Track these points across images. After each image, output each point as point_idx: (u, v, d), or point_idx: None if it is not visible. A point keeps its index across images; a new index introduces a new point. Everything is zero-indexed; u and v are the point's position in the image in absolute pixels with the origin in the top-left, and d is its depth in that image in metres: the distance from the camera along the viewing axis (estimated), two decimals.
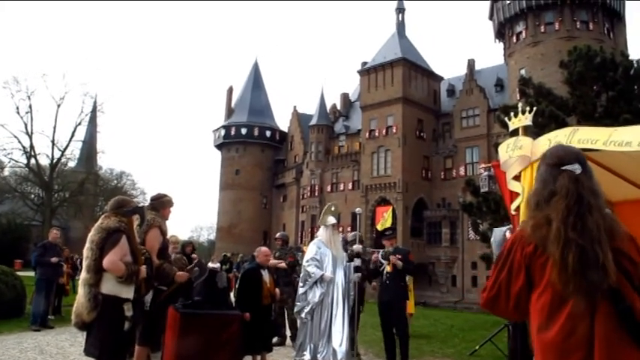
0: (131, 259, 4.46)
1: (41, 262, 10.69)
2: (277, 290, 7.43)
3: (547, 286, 1.97)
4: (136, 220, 4.91)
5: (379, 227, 18.44)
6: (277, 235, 11.24)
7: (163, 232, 5.57)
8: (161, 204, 5.75)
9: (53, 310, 11.73)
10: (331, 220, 7.68)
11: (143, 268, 4.57)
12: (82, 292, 4.37)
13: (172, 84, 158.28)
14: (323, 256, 7.41)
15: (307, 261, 7.45)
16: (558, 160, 2.14)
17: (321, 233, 7.79)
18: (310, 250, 7.65)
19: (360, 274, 7.56)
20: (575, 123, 14.54)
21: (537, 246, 2.01)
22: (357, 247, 7.90)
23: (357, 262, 7.60)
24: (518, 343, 5.84)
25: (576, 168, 2.10)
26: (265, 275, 7.17)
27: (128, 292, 4.41)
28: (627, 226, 5.11)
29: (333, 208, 8.01)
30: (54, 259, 10.60)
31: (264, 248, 7.63)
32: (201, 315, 5.90)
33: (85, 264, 4.45)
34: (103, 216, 4.65)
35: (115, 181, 62.64)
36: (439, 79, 50.96)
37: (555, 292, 1.95)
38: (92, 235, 4.45)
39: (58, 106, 41.78)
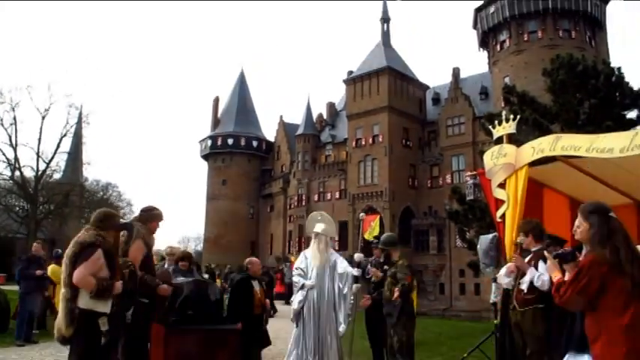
0: (108, 273, 4.37)
1: (25, 276, 10.56)
2: (267, 301, 7.47)
3: (620, 291, 3.14)
4: (122, 236, 4.87)
5: (366, 236, 18.43)
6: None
7: (148, 245, 5.42)
8: (149, 217, 5.62)
9: (38, 324, 11.57)
10: (316, 228, 7.59)
11: (118, 284, 4.46)
12: (61, 307, 4.35)
13: (158, 94, 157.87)
14: (309, 265, 7.37)
15: (294, 270, 7.52)
16: (605, 210, 3.41)
17: (311, 242, 7.73)
18: (297, 260, 7.67)
19: (359, 285, 7.43)
20: (559, 130, 14.68)
21: (612, 266, 3.15)
22: (357, 255, 7.80)
23: (356, 272, 7.43)
24: (507, 345, 5.83)
25: (613, 214, 3.36)
26: (256, 285, 7.24)
27: (104, 307, 4.35)
28: None
29: (319, 217, 7.93)
30: (38, 272, 10.48)
31: (255, 259, 7.67)
32: (195, 331, 5.68)
33: (61, 278, 4.44)
34: (83, 229, 4.62)
35: (101, 193, 62.13)
36: (424, 87, 51.26)
37: (627, 294, 3.14)
38: (68, 248, 4.43)
39: (43, 117, 41.47)
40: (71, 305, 4.27)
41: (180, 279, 6.70)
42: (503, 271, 5.82)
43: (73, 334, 4.26)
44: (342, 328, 7.14)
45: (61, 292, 4.39)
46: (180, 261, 8.00)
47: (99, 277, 4.29)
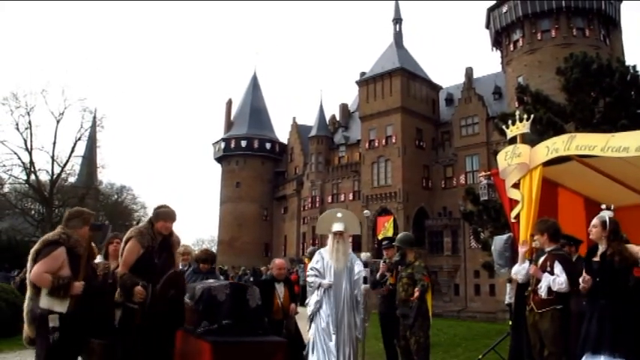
0: (69, 272, 4.31)
1: None
2: (292, 306, 7.12)
3: None
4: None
5: (380, 237, 18.44)
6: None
7: (145, 246, 4.87)
8: (155, 216, 5.08)
9: None
10: (335, 227, 7.14)
11: (78, 284, 4.31)
12: (24, 306, 4.36)
13: (171, 97, 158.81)
14: (326, 265, 7.01)
15: (308, 271, 7.22)
16: None
17: (328, 242, 7.31)
18: (312, 260, 7.33)
19: (367, 285, 7.14)
20: (573, 130, 14.56)
21: None
22: (364, 255, 7.55)
23: (364, 272, 7.12)
24: (524, 345, 5.78)
25: None
26: (279, 289, 6.94)
27: (62, 306, 4.26)
28: (627, 232, 5.10)
29: (339, 214, 7.50)
30: None
31: (278, 260, 7.36)
32: (238, 344, 4.86)
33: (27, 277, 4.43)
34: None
35: (116, 196, 62.45)
36: (437, 88, 51.08)
37: None
38: (34, 247, 4.44)
39: (58, 121, 41.73)
40: (31, 304, 4.27)
41: (210, 282, 5.89)
42: (516, 267, 5.78)
43: (36, 335, 4.25)
44: (359, 333, 6.90)
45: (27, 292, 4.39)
46: (202, 262, 7.19)
47: (57, 275, 4.23)
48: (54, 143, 41.90)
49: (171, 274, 4.87)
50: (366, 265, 7.26)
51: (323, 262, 7.03)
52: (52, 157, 41.55)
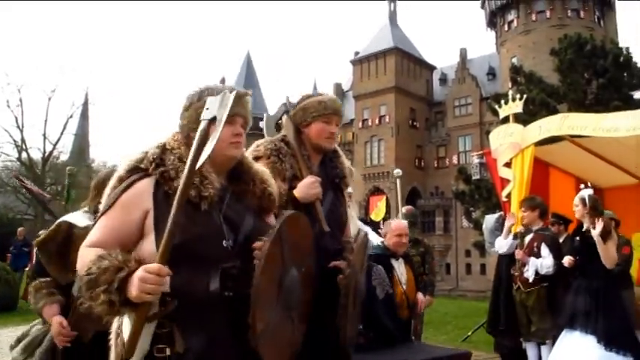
0: (151, 249, 1.67)
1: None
2: (420, 295, 4.67)
3: None
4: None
5: (373, 217, 18.45)
6: None
7: (289, 178, 2.55)
8: (301, 112, 2.69)
9: None
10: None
11: (157, 271, 1.51)
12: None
13: (164, 77, 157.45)
14: None
15: None
16: None
17: None
18: None
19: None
20: (566, 110, 14.62)
21: None
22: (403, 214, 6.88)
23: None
24: (503, 314, 5.81)
25: None
26: (398, 268, 4.36)
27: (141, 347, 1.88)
28: (617, 211, 5.18)
29: None
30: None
31: (397, 223, 4.61)
32: None
33: None
34: None
35: None
36: (432, 68, 50.93)
37: None
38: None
39: (49, 99, 41.50)
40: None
41: None
42: (500, 240, 5.81)
43: None
44: None
45: None
46: None
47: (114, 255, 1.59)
48: (45, 121, 41.74)
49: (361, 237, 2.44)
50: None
51: None
52: (44, 135, 41.43)
